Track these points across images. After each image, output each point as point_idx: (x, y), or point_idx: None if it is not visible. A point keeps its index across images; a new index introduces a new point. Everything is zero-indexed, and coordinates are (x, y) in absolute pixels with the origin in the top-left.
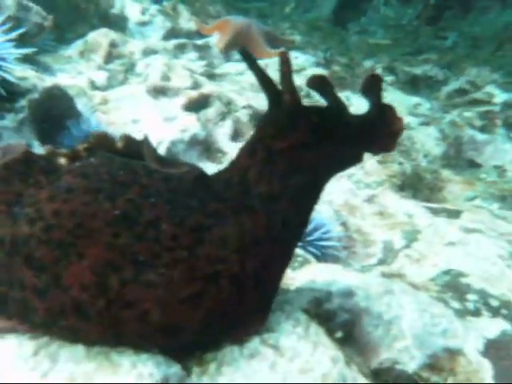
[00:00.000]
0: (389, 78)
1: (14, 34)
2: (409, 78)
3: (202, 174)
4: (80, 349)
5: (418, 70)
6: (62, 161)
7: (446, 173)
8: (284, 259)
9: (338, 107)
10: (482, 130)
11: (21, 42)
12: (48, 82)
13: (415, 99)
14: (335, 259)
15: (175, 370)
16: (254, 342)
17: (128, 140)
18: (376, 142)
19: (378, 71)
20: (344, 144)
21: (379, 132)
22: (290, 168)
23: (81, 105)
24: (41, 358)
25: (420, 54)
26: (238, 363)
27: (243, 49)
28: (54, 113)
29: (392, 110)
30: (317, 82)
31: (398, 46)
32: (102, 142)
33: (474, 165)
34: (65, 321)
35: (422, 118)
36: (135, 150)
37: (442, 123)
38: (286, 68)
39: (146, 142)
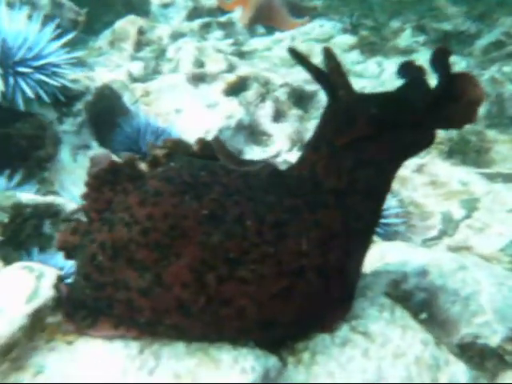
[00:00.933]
0: (420, 39)
1: (64, 39)
2: (441, 36)
3: (275, 170)
4: (180, 346)
5: (448, 26)
6: (143, 166)
7: (491, 133)
8: (362, 248)
9: (401, 93)
10: None
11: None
12: (98, 81)
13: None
14: (396, 234)
15: (273, 362)
16: (344, 330)
17: (203, 142)
18: (453, 116)
19: (408, 32)
20: (411, 129)
21: (454, 106)
22: (356, 161)
23: (125, 99)
24: (146, 357)
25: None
26: (331, 351)
27: (292, 49)
28: (105, 112)
29: (466, 78)
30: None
31: (422, 1)
32: (179, 147)
33: None
34: (169, 319)
35: None
36: (211, 151)
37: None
38: (333, 63)
39: (218, 142)
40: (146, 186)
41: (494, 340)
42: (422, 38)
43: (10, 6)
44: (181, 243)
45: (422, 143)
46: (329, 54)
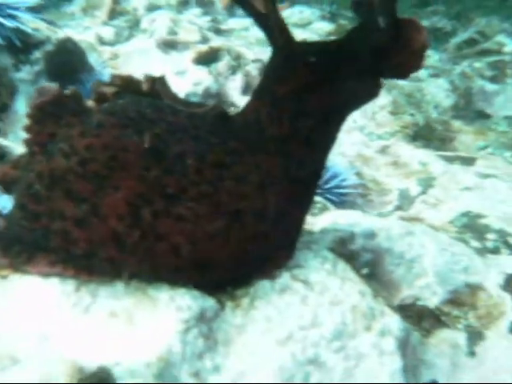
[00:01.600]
0: None
1: None
2: None
3: (222, 113)
4: (118, 285)
5: (426, 22)
6: (90, 103)
7: (456, 123)
8: (304, 198)
9: (342, 41)
10: (493, 80)
11: None
12: (60, 34)
13: None
14: (352, 206)
15: (211, 303)
16: (285, 278)
17: (152, 81)
18: (399, 64)
19: None
20: (354, 78)
21: (399, 53)
22: (297, 110)
23: (92, 59)
24: (82, 294)
25: (427, 5)
26: (270, 297)
27: None
28: (66, 65)
29: (411, 24)
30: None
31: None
32: (128, 85)
33: (484, 115)
34: (104, 252)
35: (432, 69)
36: (160, 91)
37: (451, 74)
38: (269, 6)
39: (163, 84)
40: (89, 120)
41: (433, 301)
42: None
43: None
44: (119, 175)
45: (366, 94)
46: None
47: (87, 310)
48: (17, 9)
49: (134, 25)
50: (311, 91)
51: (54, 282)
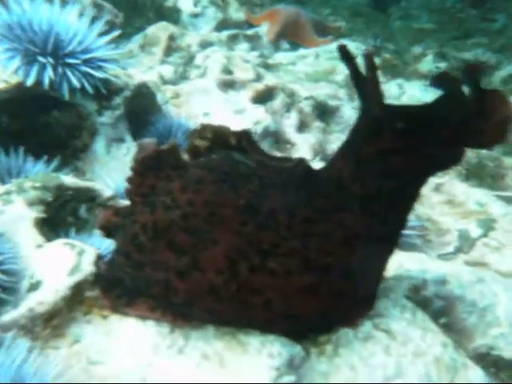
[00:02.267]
0: (441, 65)
1: (110, 36)
2: (461, 64)
3: (308, 168)
4: (209, 329)
5: (468, 55)
6: (185, 157)
7: (508, 160)
8: (385, 253)
9: (431, 108)
10: None
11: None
12: (135, 79)
13: None
14: (413, 247)
15: (298, 350)
16: (367, 326)
17: (240, 135)
18: (480, 135)
19: (429, 58)
20: (440, 145)
21: (484, 124)
22: (381, 172)
23: (158, 99)
24: (176, 336)
25: (468, 37)
26: (353, 345)
27: (342, 45)
28: (140, 109)
29: (497, 95)
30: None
31: (443, 31)
32: (218, 137)
33: None
34: (202, 302)
35: None
36: (246, 146)
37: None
38: (372, 73)
39: (249, 141)
40: (188, 174)
41: (509, 352)
42: (443, 65)
43: (63, 3)
44: (218, 230)
45: (449, 160)
46: (370, 61)
47: (181, 351)
48: (105, 61)
49: (189, 61)
50: (397, 154)
51: (150, 325)
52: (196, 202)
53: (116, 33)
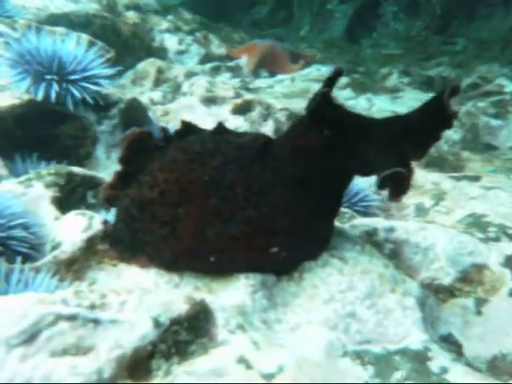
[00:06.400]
0: (405, 80)
1: (104, 58)
2: (424, 79)
3: (264, 145)
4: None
5: (431, 72)
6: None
7: (466, 154)
8: (327, 213)
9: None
10: (496, 116)
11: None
12: (127, 96)
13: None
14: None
15: (271, 276)
16: (325, 256)
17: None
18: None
19: (395, 75)
20: (365, 154)
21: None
22: (306, 163)
23: (150, 115)
24: (172, 275)
25: (432, 59)
26: (315, 270)
27: (338, 68)
28: (133, 120)
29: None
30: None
31: (410, 55)
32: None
33: (491, 147)
34: (184, 260)
35: None
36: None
37: (459, 112)
38: (328, 81)
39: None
40: (167, 155)
41: (447, 280)
42: (407, 80)
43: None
44: (188, 204)
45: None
46: (336, 73)
47: (177, 285)
48: (101, 77)
49: (176, 89)
50: (319, 152)
51: (151, 271)
52: (170, 180)
53: (109, 55)
